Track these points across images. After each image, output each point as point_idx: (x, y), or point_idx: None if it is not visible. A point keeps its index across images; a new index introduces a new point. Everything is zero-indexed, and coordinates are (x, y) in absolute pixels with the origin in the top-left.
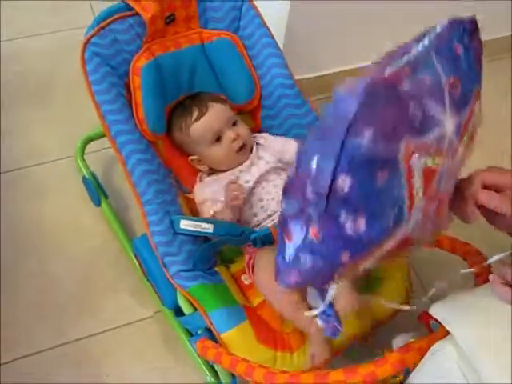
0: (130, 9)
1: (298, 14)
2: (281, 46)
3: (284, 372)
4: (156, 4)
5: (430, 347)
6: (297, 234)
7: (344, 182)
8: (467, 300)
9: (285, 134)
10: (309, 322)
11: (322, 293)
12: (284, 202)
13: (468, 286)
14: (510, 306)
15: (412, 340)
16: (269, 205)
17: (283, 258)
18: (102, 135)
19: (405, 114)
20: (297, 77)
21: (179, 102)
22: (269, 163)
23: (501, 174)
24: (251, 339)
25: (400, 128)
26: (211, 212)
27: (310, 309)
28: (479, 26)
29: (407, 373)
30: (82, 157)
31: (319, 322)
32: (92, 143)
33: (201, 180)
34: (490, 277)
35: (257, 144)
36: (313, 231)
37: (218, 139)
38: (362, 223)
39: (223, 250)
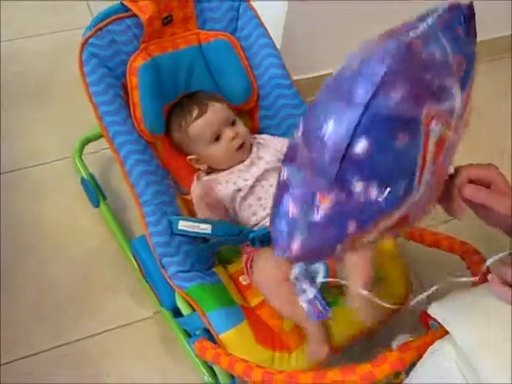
0: (128, 10)
1: (295, 14)
2: (278, 47)
3: (282, 372)
4: (153, 5)
5: (428, 346)
6: (302, 202)
7: (361, 146)
8: (466, 300)
9: (283, 135)
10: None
11: (311, 278)
12: (287, 169)
13: (466, 285)
14: (510, 306)
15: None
16: (267, 203)
17: (285, 227)
18: (100, 136)
19: (428, 79)
20: (294, 77)
21: (177, 102)
22: (269, 163)
23: (485, 169)
24: (249, 340)
25: (424, 92)
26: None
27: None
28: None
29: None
30: (80, 157)
31: (304, 305)
32: (90, 144)
33: (198, 179)
34: (489, 276)
35: (257, 144)
36: (321, 198)
37: (217, 138)
38: (373, 191)
39: (221, 251)
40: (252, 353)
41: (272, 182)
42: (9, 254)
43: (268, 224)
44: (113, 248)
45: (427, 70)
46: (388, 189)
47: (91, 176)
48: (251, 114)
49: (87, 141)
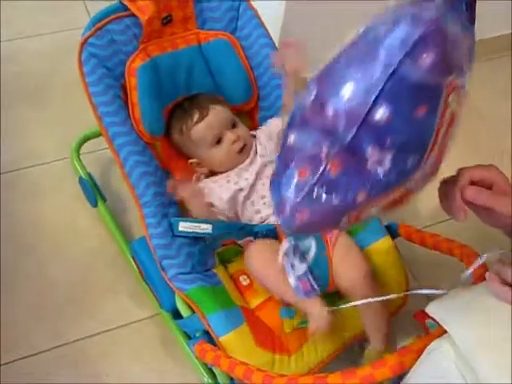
0: (127, 9)
1: (293, 14)
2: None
3: (282, 375)
4: (153, 5)
5: None
6: (312, 169)
7: (382, 113)
8: (464, 298)
9: None
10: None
11: (302, 254)
12: (295, 133)
13: (465, 283)
14: (509, 306)
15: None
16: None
17: (292, 194)
18: (99, 134)
19: (452, 50)
20: None
21: (178, 105)
22: (263, 157)
23: (487, 170)
24: (249, 342)
25: (449, 62)
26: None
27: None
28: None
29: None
30: (78, 157)
31: (292, 282)
32: (89, 144)
33: (198, 180)
34: (487, 275)
35: (253, 137)
36: (332, 166)
37: (219, 141)
38: (387, 160)
39: (221, 251)
40: (252, 355)
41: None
42: (8, 254)
43: (273, 221)
44: (112, 249)
45: (451, 42)
46: (401, 161)
47: (89, 175)
48: (251, 115)
49: (86, 139)
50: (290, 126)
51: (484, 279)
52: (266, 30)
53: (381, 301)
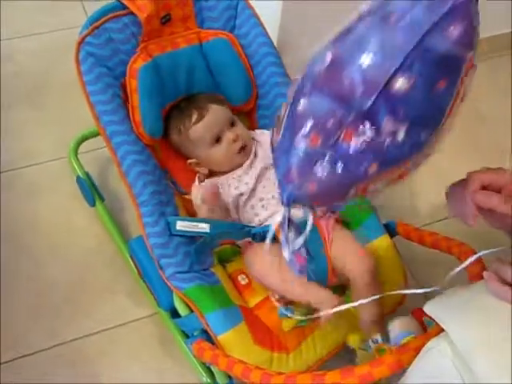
0: (125, 7)
1: (290, 14)
2: None
3: (281, 373)
4: (151, 4)
5: None
6: (324, 136)
7: (402, 83)
8: (463, 297)
9: None
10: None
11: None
12: (307, 100)
13: (463, 282)
14: (509, 305)
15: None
16: (269, 204)
17: (302, 162)
18: (97, 134)
19: (476, 25)
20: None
21: (176, 105)
22: (264, 159)
23: (498, 174)
24: (248, 341)
25: (473, 37)
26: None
27: None
28: None
29: None
30: (76, 156)
31: (287, 256)
32: (87, 144)
33: (199, 181)
34: (485, 273)
35: (254, 141)
36: (346, 134)
37: (218, 140)
38: (401, 132)
39: (220, 251)
40: (250, 354)
41: (272, 180)
42: (4, 253)
43: (271, 223)
44: (110, 248)
45: (475, 16)
46: (415, 133)
47: (87, 175)
48: (249, 113)
49: (84, 138)
50: (300, 92)
51: (481, 278)
52: (264, 28)
53: (380, 298)
